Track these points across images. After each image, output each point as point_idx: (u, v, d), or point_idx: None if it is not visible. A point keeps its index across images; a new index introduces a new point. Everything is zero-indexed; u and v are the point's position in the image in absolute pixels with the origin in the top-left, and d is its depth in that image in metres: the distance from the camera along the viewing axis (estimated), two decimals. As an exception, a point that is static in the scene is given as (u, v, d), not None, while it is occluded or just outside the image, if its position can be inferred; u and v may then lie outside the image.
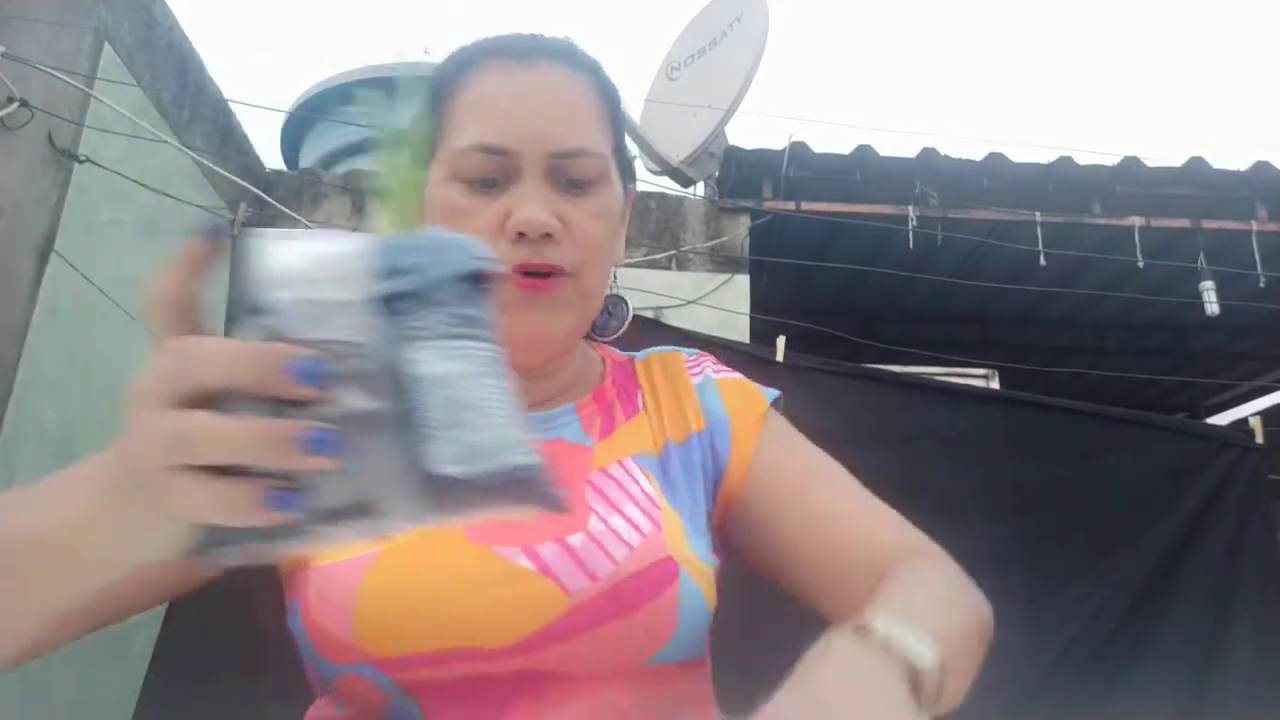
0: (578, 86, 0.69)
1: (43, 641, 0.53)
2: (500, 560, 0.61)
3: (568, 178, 0.67)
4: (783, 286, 3.93)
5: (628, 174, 0.76)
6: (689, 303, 3.41)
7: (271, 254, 0.37)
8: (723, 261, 3.55)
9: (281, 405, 0.34)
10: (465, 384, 0.36)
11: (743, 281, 3.51)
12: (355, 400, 0.34)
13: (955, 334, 4.58)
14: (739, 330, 3.30)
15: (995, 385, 3.33)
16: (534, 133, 0.66)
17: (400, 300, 0.36)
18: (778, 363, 2.61)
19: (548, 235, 0.65)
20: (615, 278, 0.83)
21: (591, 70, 0.72)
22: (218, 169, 2.96)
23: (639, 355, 0.81)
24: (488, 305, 0.39)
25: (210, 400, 0.34)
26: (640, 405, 0.75)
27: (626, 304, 0.79)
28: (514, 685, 0.59)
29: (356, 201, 3.54)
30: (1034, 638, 2.51)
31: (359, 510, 0.35)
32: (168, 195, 2.66)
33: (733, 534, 0.73)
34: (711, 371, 0.78)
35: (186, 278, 0.40)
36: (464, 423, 0.36)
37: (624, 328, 0.79)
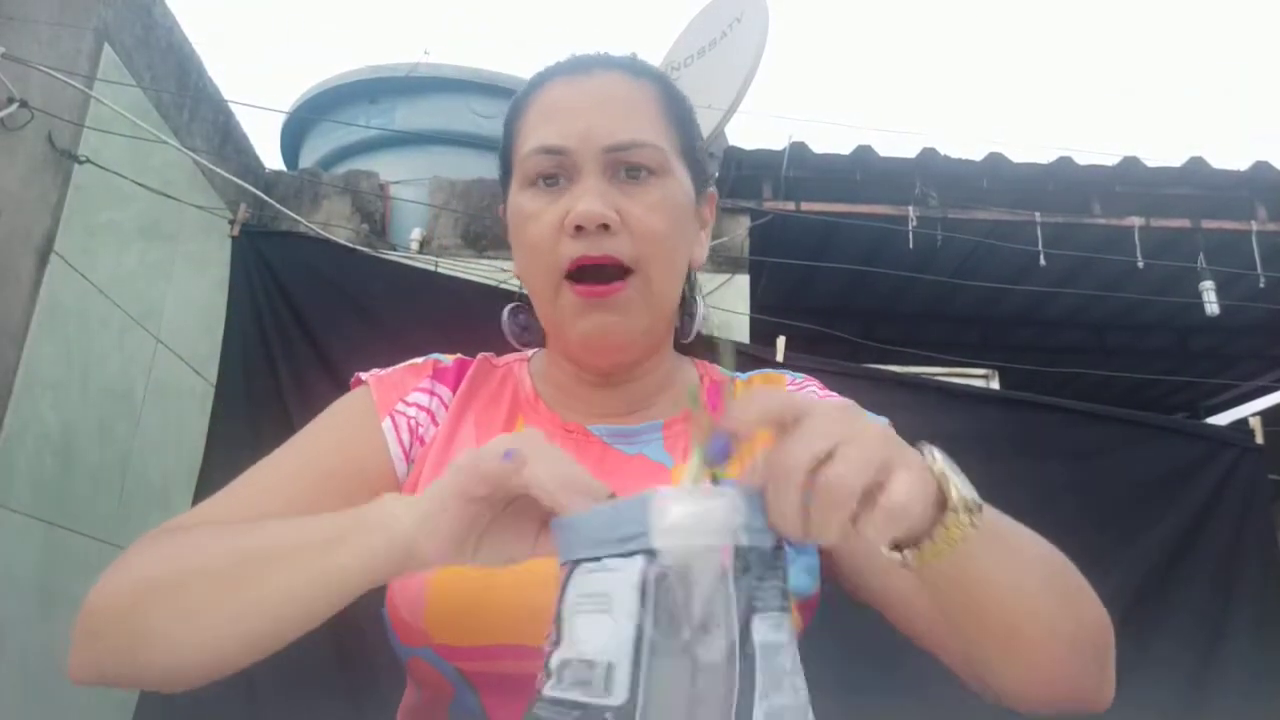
0: (635, 88, 0.72)
1: (234, 659, 0.56)
2: None
3: (625, 169, 0.68)
4: (782, 287, 3.93)
5: (702, 178, 0.76)
6: (689, 303, 3.41)
7: (664, 508, 0.43)
8: (722, 262, 3.55)
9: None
10: (780, 656, 0.43)
11: (742, 282, 3.51)
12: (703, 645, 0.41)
13: (955, 334, 4.57)
14: (739, 330, 3.30)
15: (995, 385, 3.33)
16: (589, 130, 0.67)
17: (750, 553, 0.43)
18: (778, 363, 2.62)
19: (604, 226, 0.66)
20: (696, 282, 0.82)
21: (654, 77, 0.74)
22: (217, 169, 2.96)
23: (741, 376, 0.82)
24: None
25: None
26: None
27: (700, 306, 0.80)
28: None
29: (356, 202, 3.54)
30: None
31: None
32: (168, 196, 2.66)
33: (844, 574, 0.71)
34: (818, 396, 0.77)
35: None
36: (777, 688, 0.41)
37: (694, 332, 0.80)
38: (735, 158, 3.72)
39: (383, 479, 0.69)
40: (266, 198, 3.10)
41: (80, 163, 2.36)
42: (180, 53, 2.93)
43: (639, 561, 0.42)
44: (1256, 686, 2.48)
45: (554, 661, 0.44)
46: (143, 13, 2.72)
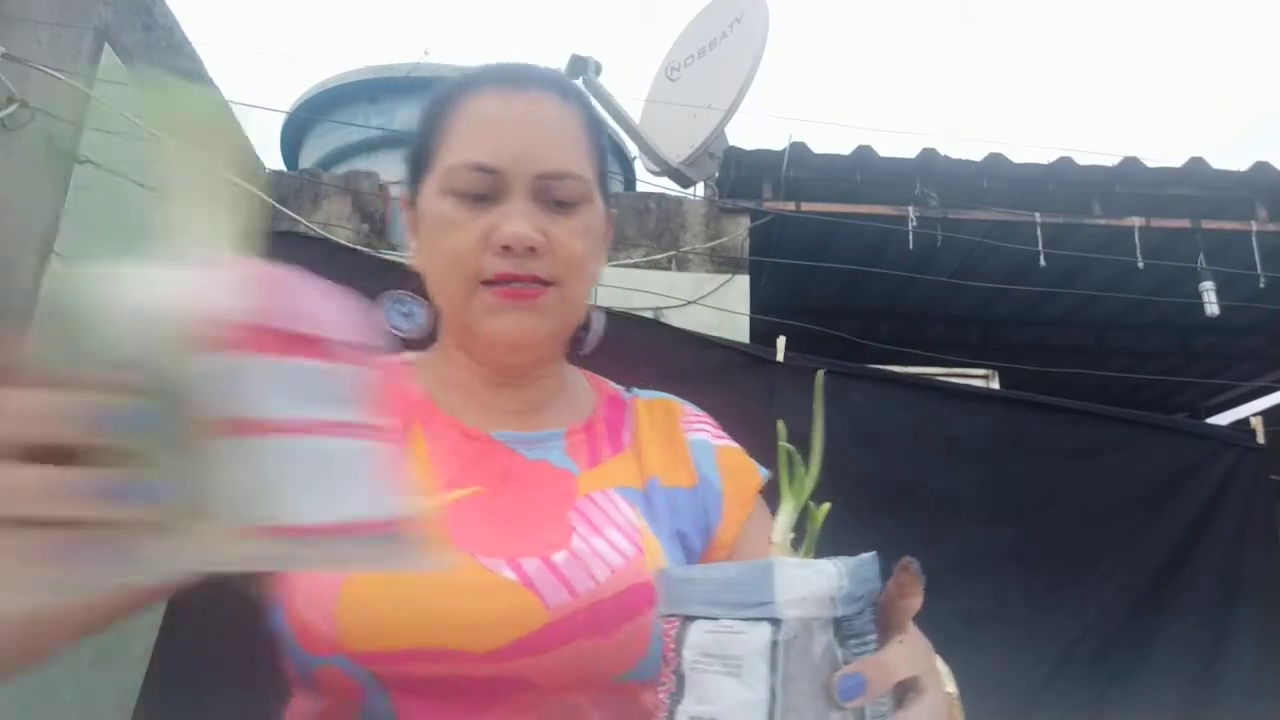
0: (566, 114, 0.74)
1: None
2: (485, 569, 0.63)
3: (553, 198, 0.71)
4: (783, 287, 3.93)
5: (607, 198, 0.80)
6: (689, 303, 3.41)
7: (788, 578, 0.45)
8: (723, 262, 3.55)
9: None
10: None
11: (743, 282, 3.51)
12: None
13: (955, 334, 4.58)
14: (739, 330, 3.30)
15: (995, 385, 3.33)
16: (523, 155, 0.70)
17: (847, 624, 0.46)
18: (778, 363, 2.61)
19: (531, 249, 0.68)
20: (595, 295, 0.85)
21: (579, 100, 0.77)
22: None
23: (641, 393, 0.85)
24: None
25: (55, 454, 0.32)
26: (627, 443, 0.78)
27: (598, 318, 0.81)
28: (487, 690, 0.62)
29: (356, 202, 3.54)
30: (1035, 639, 2.51)
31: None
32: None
33: None
34: (712, 436, 0.81)
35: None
36: None
37: (596, 340, 0.82)
38: (735, 158, 3.72)
39: None
40: (266, 198, 3.10)
41: (80, 163, 2.36)
42: (180, 53, 2.93)
43: (766, 628, 0.44)
44: (1259, 686, 2.48)
45: (680, 715, 0.46)
46: (143, 13, 2.72)
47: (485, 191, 0.70)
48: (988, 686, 2.36)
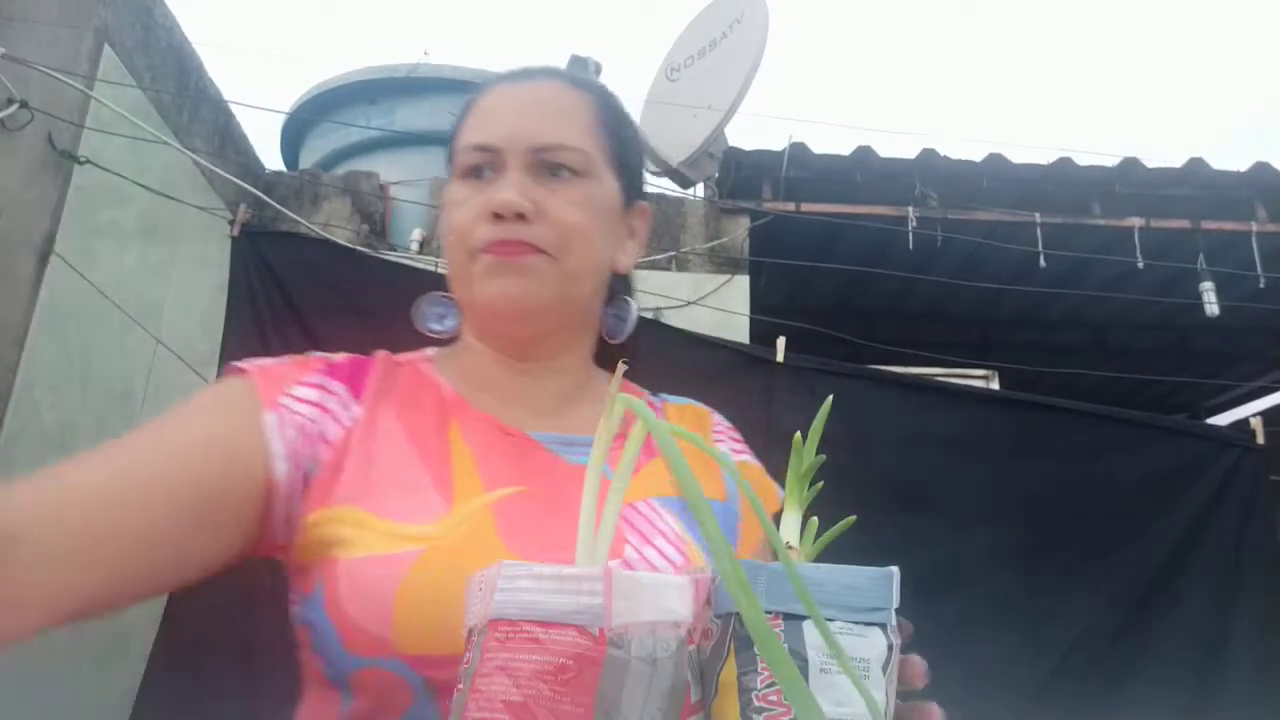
0: (571, 96, 0.76)
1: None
2: None
3: (549, 170, 0.72)
4: (783, 287, 3.93)
5: (636, 190, 0.79)
6: (689, 303, 3.41)
7: (895, 587, 0.47)
8: (723, 262, 3.55)
9: None
10: None
11: (743, 282, 3.51)
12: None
13: (955, 335, 4.57)
14: (739, 331, 3.30)
15: (995, 386, 3.33)
16: (519, 130, 0.72)
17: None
18: (778, 364, 2.61)
19: (521, 216, 0.69)
20: (633, 286, 0.84)
21: (591, 89, 0.78)
22: (217, 170, 2.96)
23: (670, 399, 0.84)
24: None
25: None
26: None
27: (630, 304, 0.80)
28: None
29: (356, 203, 3.54)
30: (1036, 639, 2.51)
31: None
32: (167, 196, 2.66)
33: None
34: (733, 451, 0.82)
35: None
36: None
37: (631, 328, 0.80)
38: (735, 158, 3.72)
39: (251, 476, 0.63)
40: (266, 198, 3.10)
41: (80, 163, 2.36)
42: (180, 53, 2.93)
43: (879, 634, 0.45)
44: (1259, 687, 2.48)
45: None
46: (143, 13, 2.72)
47: (484, 167, 0.72)
48: (988, 686, 2.36)
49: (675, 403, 0.84)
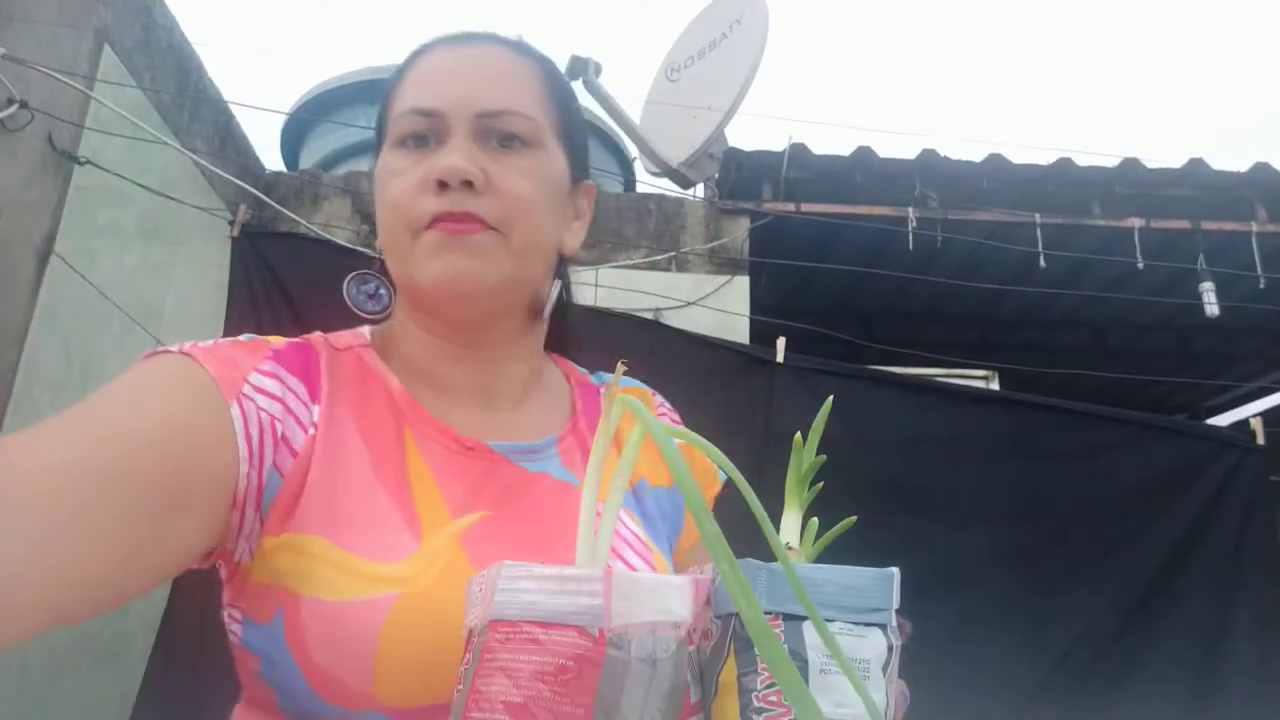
0: (517, 62, 0.70)
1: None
2: None
3: (496, 136, 0.67)
4: (782, 288, 3.93)
5: (581, 166, 0.75)
6: (689, 304, 3.41)
7: (895, 587, 0.47)
8: (722, 263, 3.55)
9: None
10: None
11: (742, 283, 3.51)
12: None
13: (955, 335, 4.58)
14: (739, 331, 3.30)
15: (995, 386, 3.33)
16: (463, 95, 0.67)
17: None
18: (778, 364, 2.62)
19: (468, 184, 0.64)
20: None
21: (537, 58, 0.73)
22: (217, 170, 2.96)
23: (607, 378, 0.80)
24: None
25: None
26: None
27: (556, 283, 0.75)
28: None
29: (356, 203, 3.54)
30: (1037, 639, 2.51)
31: None
32: (167, 197, 2.66)
33: None
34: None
35: None
36: None
37: (547, 311, 0.75)
38: (735, 159, 3.72)
39: (215, 475, 0.56)
40: (266, 199, 3.10)
41: (80, 163, 2.36)
42: (180, 53, 2.93)
43: (879, 634, 0.45)
44: (1259, 686, 2.48)
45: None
46: (143, 13, 2.72)
47: (426, 134, 0.67)
48: (989, 686, 2.36)
49: (616, 385, 0.81)
